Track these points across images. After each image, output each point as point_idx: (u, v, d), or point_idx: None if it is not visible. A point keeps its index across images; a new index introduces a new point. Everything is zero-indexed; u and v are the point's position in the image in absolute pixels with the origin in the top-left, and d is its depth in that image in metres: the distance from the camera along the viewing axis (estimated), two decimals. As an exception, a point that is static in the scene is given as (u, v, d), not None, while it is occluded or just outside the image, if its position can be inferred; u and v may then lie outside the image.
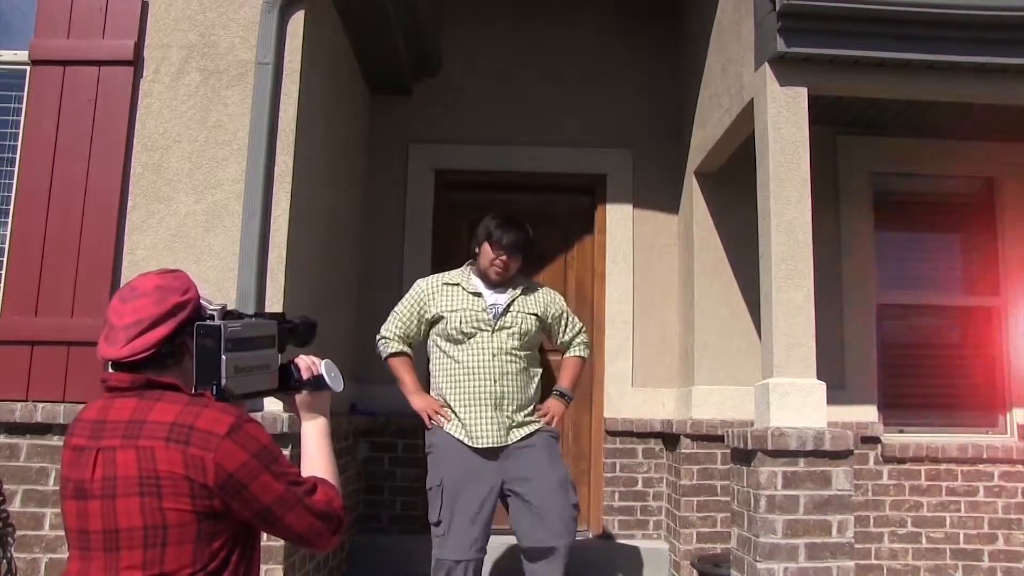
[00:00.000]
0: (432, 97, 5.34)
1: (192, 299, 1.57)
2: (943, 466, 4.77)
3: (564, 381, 3.56)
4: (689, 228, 4.94)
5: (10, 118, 3.62)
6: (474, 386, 3.27)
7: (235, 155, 3.53)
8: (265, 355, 1.61)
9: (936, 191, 5.31)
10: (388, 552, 4.62)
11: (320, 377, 1.67)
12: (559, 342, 3.61)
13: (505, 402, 3.27)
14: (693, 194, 4.87)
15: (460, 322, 3.32)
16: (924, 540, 4.72)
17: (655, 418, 4.97)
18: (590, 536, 4.91)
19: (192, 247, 3.48)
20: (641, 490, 4.97)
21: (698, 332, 4.75)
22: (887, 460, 4.76)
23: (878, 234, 5.11)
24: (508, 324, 3.34)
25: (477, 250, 3.45)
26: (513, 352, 3.32)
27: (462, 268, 3.53)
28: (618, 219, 5.25)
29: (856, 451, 3.74)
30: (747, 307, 4.73)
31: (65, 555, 3.26)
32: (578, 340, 3.62)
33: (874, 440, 4.77)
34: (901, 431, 4.98)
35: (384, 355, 3.49)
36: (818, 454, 3.27)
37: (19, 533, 3.28)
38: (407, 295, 3.54)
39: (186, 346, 1.55)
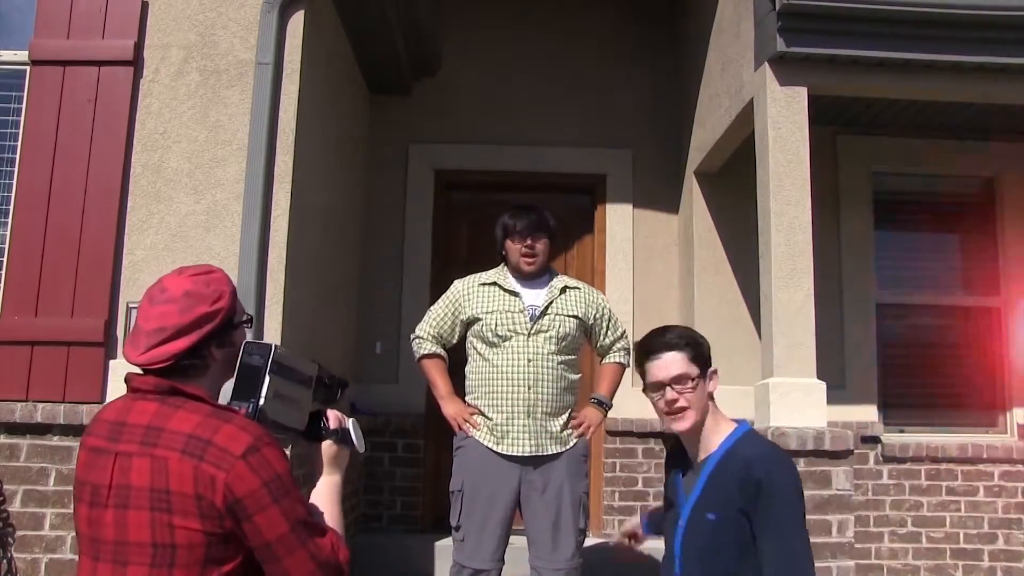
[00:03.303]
0: (432, 97, 5.34)
1: (222, 309, 1.49)
2: (943, 466, 4.78)
3: (602, 388, 3.37)
4: (689, 228, 4.94)
5: (10, 118, 3.62)
6: (507, 391, 3.13)
7: (235, 155, 3.53)
8: (301, 392, 1.56)
9: (936, 191, 5.31)
10: (388, 552, 4.62)
11: (347, 431, 1.62)
12: (598, 346, 3.38)
13: (539, 409, 3.12)
14: (693, 194, 4.87)
15: (496, 324, 3.17)
16: (924, 540, 4.72)
17: (655, 418, 4.92)
18: (590, 536, 4.91)
19: (192, 247, 3.48)
20: (641, 490, 4.97)
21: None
22: (887, 460, 4.76)
23: (878, 234, 5.11)
24: (545, 327, 3.17)
25: (504, 252, 3.32)
26: (550, 357, 3.15)
27: (499, 267, 3.37)
28: (618, 219, 5.25)
29: (856, 451, 3.75)
30: (747, 307, 4.73)
31: (65, 555, 3.28)
32: (619, 345, 3.38)
33: (874, 440, 4.77)
34: (901, 431, 4.99)
35: (417, 355, 3.36)
36: (818, 454, 3.27)
37: (19, 533, 3.28)
38: (443, 295, 3.40)
39: (213, 356, 1.49)
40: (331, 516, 1.54)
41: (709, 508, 1.96)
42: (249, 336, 3.30)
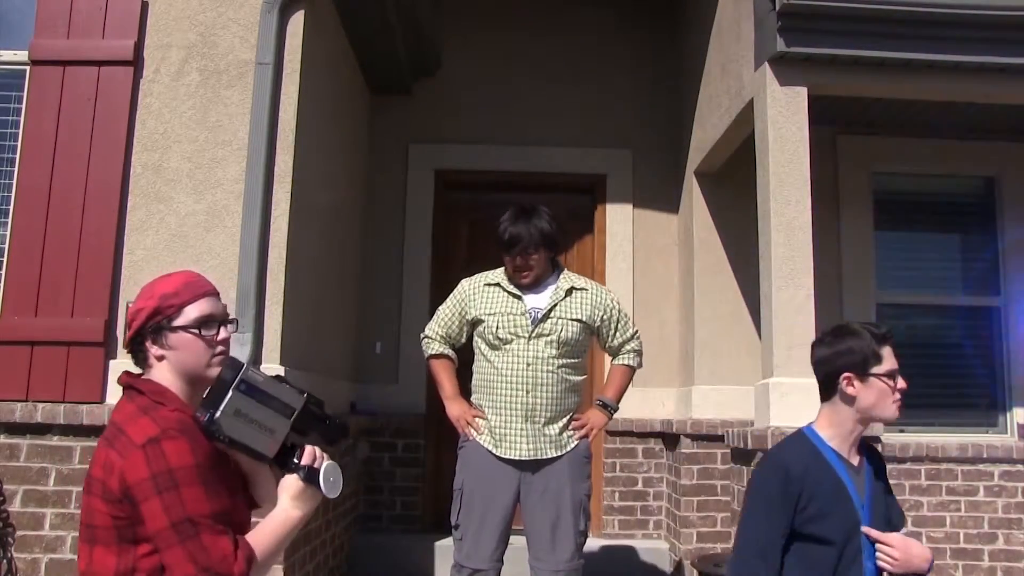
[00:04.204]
0: (432, 97, 5.34)
1: (146, 308, 1.59)
2: (943, 466, 4.77)
3: (608, 391, 3.30)
4: (689, 228, 4.94)
5: (10, 118, 3.62)
6: (506, 395, 3.10)
7: (235, 155, 3.53)
8: (275, 419, 1.56)
9: (936, 191, 5.31)
10: (388, 552, 4.62)
11: (315, 471, 1.59)
12: (607, 346, 3.31)
13: (537, 414, 3.09)
14: (693, 194, 4.87)
15: (497, 327, 3.13)
16: (924, 540, 4.71)
17: (655, 418, 4.97)
18: (591, 536, 4.91)
19: (192, 247, 3.48)
20: (641, 490, 4.97)
21: (698, 332, 4.75)
22: (887, 460, 4.74)
23: (878, 234, 5.11)
24: (547, 331, 3.11)
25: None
26: (550, 361, 3.10)
27: (503, 268, 3.29)
28: (618, 219, 5.26)
29: (856, 451, 3.74)
30: (747, 307, 4.72)
31: (65, 555, 3.28)
32: (629, 347, 3.31)
33: (874, 440, 4.75)
34: (901, 431, 4.98)
35: (426, 355, 3.35)
36: (818, 454, 3.27)
37: (19, 533, 3.28)
38: (451, 295, 3.34)
39: (149, 352, 1.59)
40: (267, 544, 1.52)
41: (881, 498, 2.20)
42: (249, 338, 3.30)
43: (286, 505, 1.58)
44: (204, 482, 1.45)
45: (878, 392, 2.09)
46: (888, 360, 2.11)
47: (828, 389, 2.15)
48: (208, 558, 1.41)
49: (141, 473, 1.42)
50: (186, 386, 1.60)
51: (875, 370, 2.09)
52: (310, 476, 1.59)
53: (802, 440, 2.17)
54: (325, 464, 1.61)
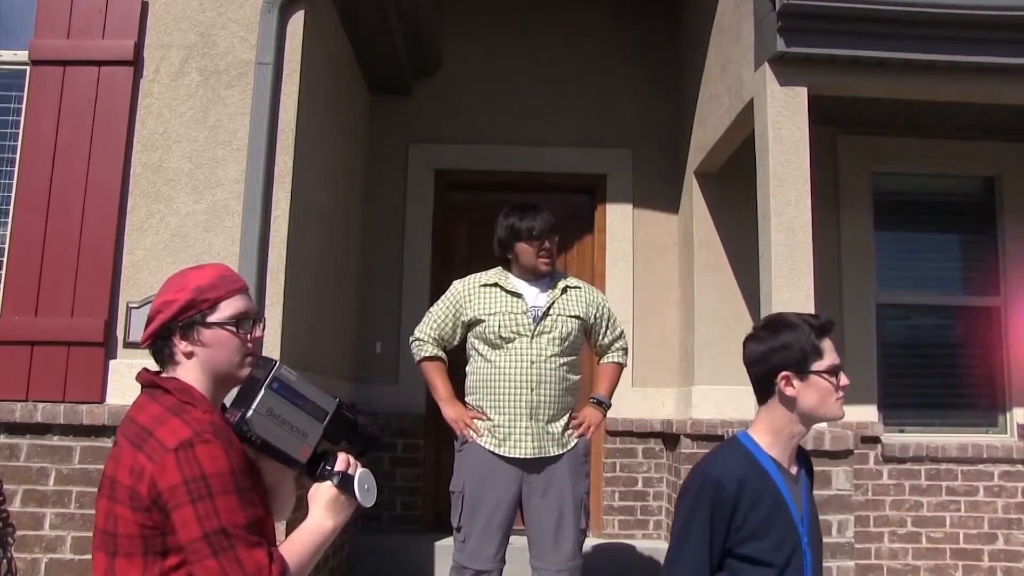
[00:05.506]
0: (432, 97, 5.34)
1: (176, 300, 1.50)
2: (943, 466, 4.78)
3: (601, 388, 3.37)
4: (689, 228, 4.94)
5: (10, 118, 3.62)
6: (509, 393, 3.12)
7: (235, 155, 3.53)
8: (307, 422, 1.50)
9: (936, 191, 5.31)
10: (388, 552, 4.62)
11: (350, 478, 1.52)
12: (596, 345, 3.38)
13: (541, 412, 3.11)
14: (693, 194, 4.87)
15: (499, 326, 3.14)
16: (924, 540, 4.72)
17: (655, 418, 4.98)
18: (590, 536, 4.91)
19: (192, 247, 3.48)
20: (641, 490, 4.97)
21: (698, 332, 4.75)
22: (887, 460, 4.76)
23: (878, 234, 5.11)
24: (548, 328, 3.15)
25: (510, 255, 3.26)
26: (552, 359, 3.14)
27: (498, 268, 3.30)
28: (618, 219, 5.26)
29: (856, 451, 3.75)
30: (747, 307, 4.73)
31: (65, 555, 3.28)
32: (617, 345, 3.39)
33: (874, 440, 4.77)
34: (901, 431, 4.99)
35: (417, 358, 3.33)
36: (818, 454, 3.27)
37: (19, 533, 3.29)
38: (443, 296, 3.34)
39: (178, 347, 1.50)
40: (300, 557, 1.45)
41: (815, 511, 1.94)
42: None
43: (318, 515, 1.51)
44: (239, 490, 1.37)
45: (820, 391, 1.87)
46: (829, 354, 1.88)
47: (764, 390, 1.93)
48: (242, 572, 1.33)
49: (173, 479, 1.33)
50: (213, 386, 1.52)
51: (815, 367, 1.86)
52: (344, 483, 1.51)
53: (737, 449, 1.92)
54: (360, 471, 1.54)
